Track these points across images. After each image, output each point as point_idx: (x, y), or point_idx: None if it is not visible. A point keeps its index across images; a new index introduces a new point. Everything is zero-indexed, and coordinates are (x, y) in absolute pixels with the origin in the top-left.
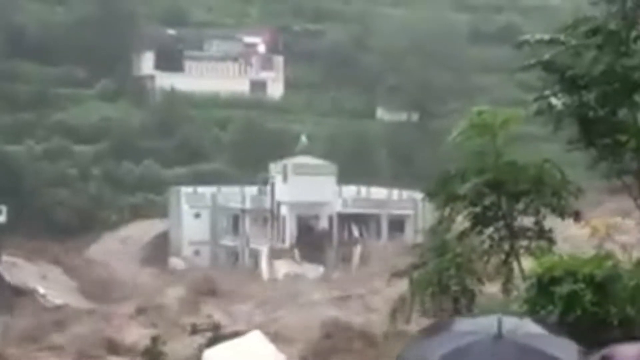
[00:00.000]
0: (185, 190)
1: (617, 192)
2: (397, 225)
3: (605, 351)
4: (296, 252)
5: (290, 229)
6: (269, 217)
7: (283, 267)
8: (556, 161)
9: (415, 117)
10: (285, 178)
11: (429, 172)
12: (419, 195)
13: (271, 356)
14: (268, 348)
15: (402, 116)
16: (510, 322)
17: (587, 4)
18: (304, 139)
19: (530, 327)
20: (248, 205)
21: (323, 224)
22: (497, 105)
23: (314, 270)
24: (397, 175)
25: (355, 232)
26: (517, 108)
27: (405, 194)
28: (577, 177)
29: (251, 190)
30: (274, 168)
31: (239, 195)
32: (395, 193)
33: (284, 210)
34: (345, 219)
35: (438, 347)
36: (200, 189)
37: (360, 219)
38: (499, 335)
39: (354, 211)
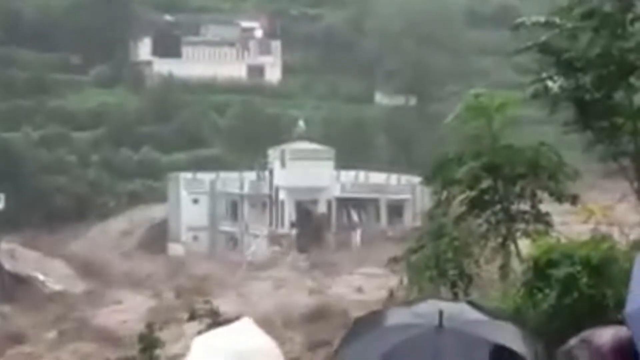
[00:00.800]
0: (184, 176)
1: (614, 174)
2: (396, 210)
3: (584, 334)
4: (292, 236)
5: (288, 214)
6: (267, 203)
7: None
8: (553, 144)
9: (413, 100)
10: (283, 163)
11: (427, 155)
12: (417, 180)
13: (262, 343)
14: (258, 335)
15: (400, 100)
16: (448, 310)
17: None
18: (301, 123)
19: (469, 314)
20: (247, 190)
21: (322, 208)
22: (494, 88)
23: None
24: (395, 159)
25: (354, 217)
26: (514, 91)
27: (404, 178)
28: (574, 160)
29: (250, 175)
30: (272, 153)
31: (237, 181)
32: (393, 177)
33: (282, 195)
34: (344, 204)
35: (377, 345)
36: (199, 175)
37: (359, 204)
38: (439, 326)
39: (352, 196)
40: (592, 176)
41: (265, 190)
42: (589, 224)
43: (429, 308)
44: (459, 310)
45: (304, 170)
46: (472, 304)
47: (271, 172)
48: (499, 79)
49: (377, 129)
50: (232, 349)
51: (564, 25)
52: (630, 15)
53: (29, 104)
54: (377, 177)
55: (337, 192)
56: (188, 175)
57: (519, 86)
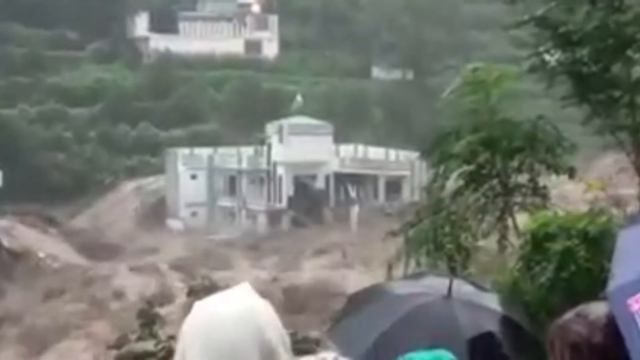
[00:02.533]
0: (182, 151)
1: (611, 147)
2: (394, 186)
3: (579, 309)
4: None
5: (286, 189)
6: (265, 178)
7: None
8: (550, 118)
9: (410, 75)
10: (281, 138)
11: (424, 129)
12: (416, 156)
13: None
14: (257, 299)
15: (397, 74)
16: (446, 282)
17: None
18: (299, 98)
19: (461, 285)
20: (245, 166)
21: (320, 184)
22: (491, 61)
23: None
24: (392, 133)
25: (352, 193)
26: (513, 64)
27: (403, 154)
28: (572, 133)
29: (248, 150)
30: (270, 128)
31: (235, 157)
32: (392, 153)
33: (280, 170)
34: (342, 179)
35: (386, 313)
36: (197, 150)
37: (357, 180)
38: (448, 295)
39: (351, 171)
40: (590, 149)
41: (264, 165)
42: (587, 196)
43: (433, 281)
44: (457, 283)
45: (302, 145)
46: (459, 277)
47: (269, 147)
48: (496, 53)
49: (374, 103)
50: (234, 309)
51: None
52: None
53: (25, 81)
54: (376, 152)
55: (335, 167)
56: (186, 151)
57: (516, 59)
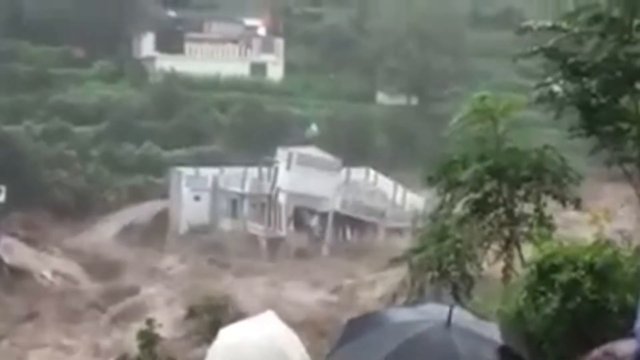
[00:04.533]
0: (187, 172)
1: (618, 179)
2: (395, 232)
3: (607, 347)
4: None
5: (286, 218)
6: (267, 203)
7: None
8: (557, 147)
9: (414, 100)
10: (289, 166)
11: (429, 155)
12: (422, 200)
13: (285, 336)
14: (281, 328)
15: (402, 100)
16: (446, 310)
17: None
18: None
19: (462, 314)
20: (247, 189)
21: (319, 219)
22: (497, 89)
23: None
24: (396, 159)
25: (349, 236)
26: (518, 93)
27: (410, 197)
28: (578, 163)
29: (253, 172)
30: (280, 154)
31: (240, 178)
32: (399, 193)
33: (282, 198)
34: (342, 219)
35: (383, 341)
36: (203, 171)
37: (357, 223)
38: (448, 324)
39: (352, 215)
40: (597, 180)
41: (267, 190)
42: (593, 228)
43: (432, 308)
44: (457, 311)
45: (308, 178)
46: (459, 306)
47: (276, 172)
48: (501, 80)
49: (378, 128)
50: (258, 337)
51: (570, 30)
52: (637, 21)
53: (31, 98)
54: (386, 184)
55: (337, 206)
56: (191, 171)
57: (521, 88)
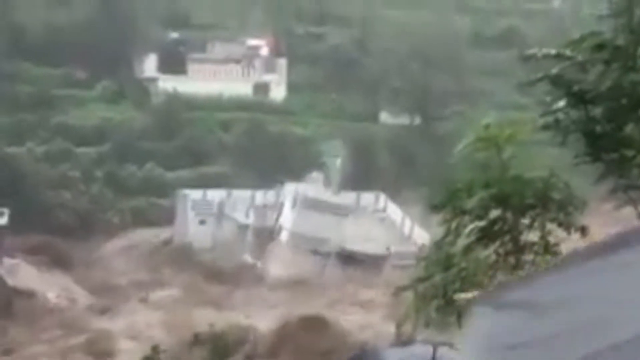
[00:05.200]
0: (193, 196)
1: (622, 205)
2: (398, 269)
3: None
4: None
5: (286, 255)
6: (269, 236)
7: None
8: (562, 166)
9: (417, 120)
10: (294, 204)
11: (432, 174)
12: (427, 236)
13: None
14: None
15: (405, 119)
16: (430, 350)
17: (587, 8)
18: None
19: (446, 353)
20: (252, 219)
21: (321, 259)
22: (498, 108)
23: None
24: (399, 177)
25: (351, 271)
26: (519, 111)
27: (418, 234)
28: (583, 185)
29: (259, 196)
30: (288, 188)
31: (246, 204)
32: (407, 226)
33: (284, 236)
34: (344, 260)
35: None
36: (210, 193)
37: (359, 264)
38: None
39: (354, 256)
40: (601, 202)
41: (271, 221)
42: None
43: (419, 349)
44: (441, 352)
45: (313, 219)
46: (446, 345)
47: (281, 207)
48: (503, 100)
49: (381, 147)
50: None
51: (574, 58)
52: None
53: (33, 119)
54: (394, 212)
55: (337, 249)
56: (198, 194)
57: (522, 107)
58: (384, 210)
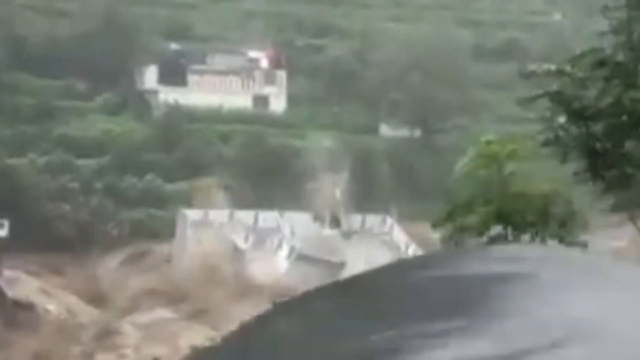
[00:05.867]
0: (193, 217)
1: (623, 222)
2: None
3: None
4: None
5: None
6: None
7: None
8: (563, 181)
9: (417, 132)
10: (290, 255)
11: (431, 187)
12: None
13: None
14: None
15: (405, 132)
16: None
17: (588, 21)
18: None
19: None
20: (250, 245)
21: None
22: (499, 121)
23: None
24: (400, 191)
25: None
26: (519, 125)
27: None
28: (583, 196)
29: (262, 220)
30: (285, 229)
31: (247, 226)
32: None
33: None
34: None
35: None
36: (212, 214)
37: None
38: None
39: None
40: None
41: (269, 248)
42: None
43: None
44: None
45: (306, 271)
46: None
47: (280, 244)
48: (504, 112)
49: (381, 160)
50: None
51: (575, 74)
52: None
53: (33, 131)
54: (398, 236)
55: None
56: (198, 215)
57: (523, 120)
58: (390, 233)
